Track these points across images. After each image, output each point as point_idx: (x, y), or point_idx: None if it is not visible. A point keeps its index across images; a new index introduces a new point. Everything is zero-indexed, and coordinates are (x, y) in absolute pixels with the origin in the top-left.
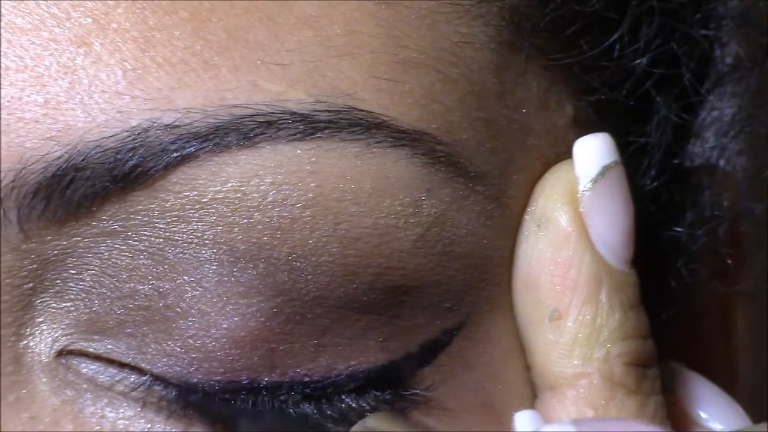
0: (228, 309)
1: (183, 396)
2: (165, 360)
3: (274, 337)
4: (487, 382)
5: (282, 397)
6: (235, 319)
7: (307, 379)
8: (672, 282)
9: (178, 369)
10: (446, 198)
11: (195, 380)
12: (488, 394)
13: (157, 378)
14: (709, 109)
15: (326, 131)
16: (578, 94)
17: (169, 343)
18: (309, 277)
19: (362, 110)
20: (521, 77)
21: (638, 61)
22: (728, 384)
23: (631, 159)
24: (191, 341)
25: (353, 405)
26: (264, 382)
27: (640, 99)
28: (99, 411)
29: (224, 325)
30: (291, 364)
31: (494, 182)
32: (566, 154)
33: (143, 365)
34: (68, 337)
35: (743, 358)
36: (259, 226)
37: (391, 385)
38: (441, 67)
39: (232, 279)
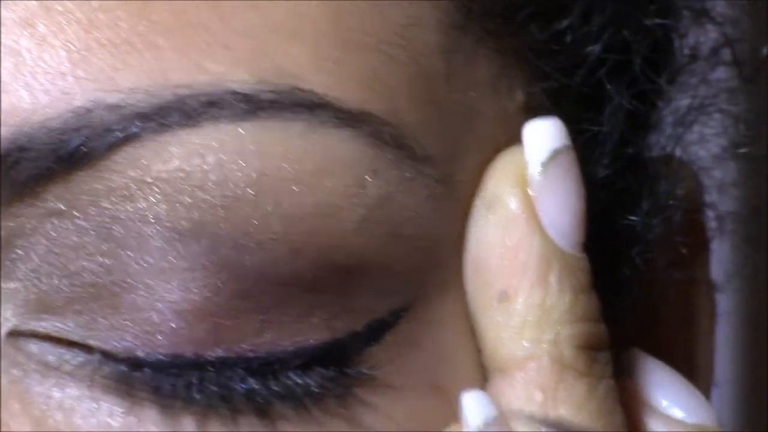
0: (173, 284)
1: (130, 372)
2: (112, 335)
3: (219, 311)
4: (435, 364)
5: (228, 373)
6: (180, 293)
7: (252, 354)
8: (628, 270)
9: (126, 344)
10: (393, 180)
11: (142, 355)
12: (436, 375)
13: (105, 355)
14: (667, 99)
15: (269, 111)
16: (531, 80)
17: (116, 317)
18: (253, 254)
19: (306, 90)
20: (471, 60)
21: (590, 48)
22: (689, 373)
23: (585, 146)
24: (137, 315)
25: (299, 381)
26: (210, 357)
27: (594, 87)
28: (46, 391)
29: (169, 299)
30: (236, 339)
31: (443, 165)
32: (517, 139)
33: (91, 342)
34: (17, 317)
35: (705, 347)
36: (203, 205)
37: (336, 362)
38: (388, 50)
39: (177, 255)
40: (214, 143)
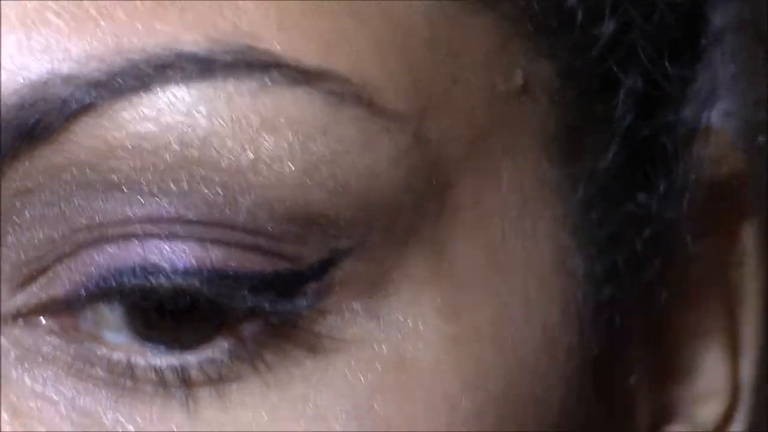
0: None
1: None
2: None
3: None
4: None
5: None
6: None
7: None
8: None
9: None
10: (349, 137)
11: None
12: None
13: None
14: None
15: (222, 72)
16: (536, 61)
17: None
18: (202, 207)
19: (261, 50)
20: (463, 31)
21: (603, 27)
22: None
23: (597, 127)
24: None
25: (249, 303)
26: None
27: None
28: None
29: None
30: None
31: (413, 123)
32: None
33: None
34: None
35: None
36: (161, 167)
37: (280, 294)
38: (357, 9)
39: (138, 213)
40: (165, 107)
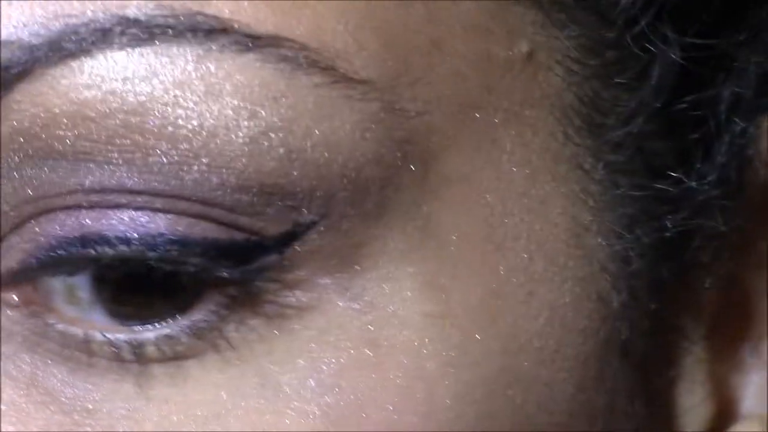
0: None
1: None
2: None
3: None
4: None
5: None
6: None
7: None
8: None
9: None
10: (304, 105)
11: None
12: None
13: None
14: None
15: (165, 37)
16: (551, 30)
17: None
18: (147, 176)
19: (208, 15)
20: None
21: None
22: None
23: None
24: None
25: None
26: None
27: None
28: None
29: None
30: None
31: (384, 91)
32: (502, 89)
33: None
34: None
35: None
36: (104, 135)
37: (238, 263)
38: None
39: (83, 183)
40: (105, 72)
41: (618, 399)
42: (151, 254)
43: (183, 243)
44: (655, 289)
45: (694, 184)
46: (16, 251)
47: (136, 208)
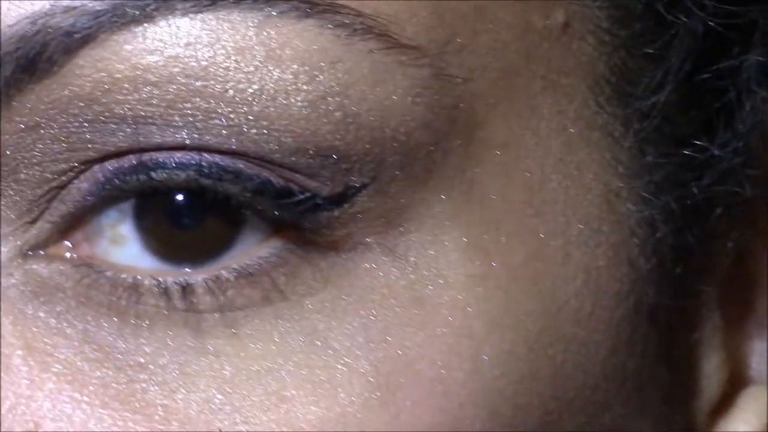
0: None
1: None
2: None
3: None
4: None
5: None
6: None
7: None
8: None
9: None
10: (360, 70)
11: None
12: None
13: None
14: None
15: (226, 3)
16: (585, 1)
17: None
18: (208, 138)
19: None
20: None
21: None
22: None
23: (653, 68)
24: None
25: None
26: None
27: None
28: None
29: None
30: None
31: (432, 58)
32: (539, 57)
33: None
34: (13, 236)
35: None
36: (166, 99)
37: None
38: None
39: (144, 144)
40: (168, 38)
41: (646, 363)
42: (204, 181)
43: (237, 173)
44: (679, 256)
45: (717, 151)
46: (73, 195)
47: (193, 149)
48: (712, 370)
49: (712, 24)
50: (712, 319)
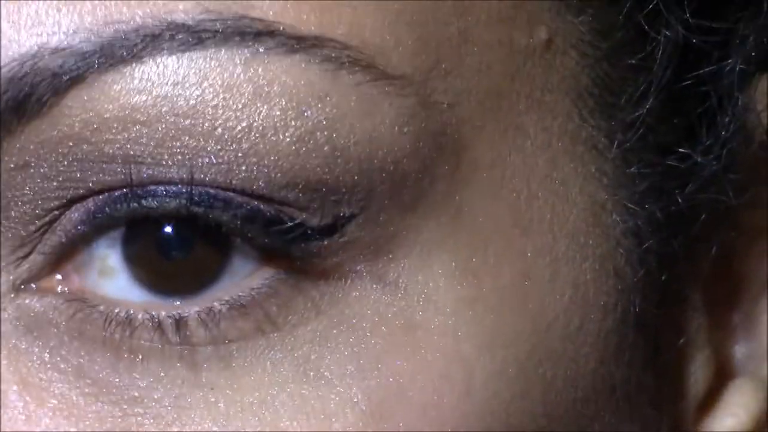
0: None
1: None
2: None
3: None
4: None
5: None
6: None
7: None
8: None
9: None
10: (347, 103)
11: None
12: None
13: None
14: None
15: (213, 41)
16: (566, 16)
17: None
18: (197, 176)
19: (254, 18)
20: None
21: None
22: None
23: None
24: None
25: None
26: None
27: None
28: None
29: None
30: None
31: (418, 85)
32: (523, 76)
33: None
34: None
35: None
36: (155, 138)
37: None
38: None
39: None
40: (156, 77)
41: (633, 372)
42: (195, 209)
43: (227, 201)
44: (665, 263)
45: (700, 158)
46: (65, 223)
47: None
48: (697, 368)
49: (691, 34)
50: (697, 319)
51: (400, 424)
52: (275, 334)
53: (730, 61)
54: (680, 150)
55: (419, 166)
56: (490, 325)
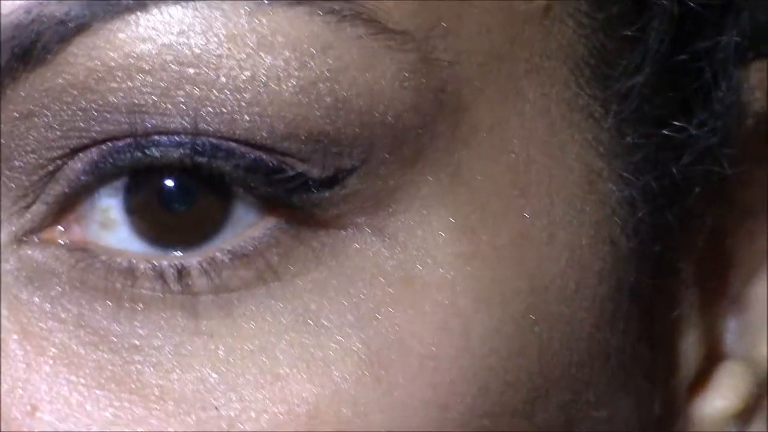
0: None
1: None
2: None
3: None
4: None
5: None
6: None
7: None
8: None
9: None
10: (350, 56)
11: None
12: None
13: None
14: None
15: None
16: None
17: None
18: (200, 125)
19: None
20: None
21: None
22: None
23: (630, 49)
24: None
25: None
26: None
27: None
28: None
29: None
30: None
31: (419, 42)
32: (523, 40)
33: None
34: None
35: None
36: (159, 86)
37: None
38: None
39: (137, 131)
40: (161, 26)
41: (628, 341)
42: (198, 159)
43: (230, 151)
44: (659, 234)
45: (695, 131)
46: (68, 173)
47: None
48: (689, 347)
49: (688, 5)
50: (690, 296)
51: (399, 374)
52: (276, 283)
53: (724, 35)
54: (675, 123)
55: (420, 122)
56: (487, 282)
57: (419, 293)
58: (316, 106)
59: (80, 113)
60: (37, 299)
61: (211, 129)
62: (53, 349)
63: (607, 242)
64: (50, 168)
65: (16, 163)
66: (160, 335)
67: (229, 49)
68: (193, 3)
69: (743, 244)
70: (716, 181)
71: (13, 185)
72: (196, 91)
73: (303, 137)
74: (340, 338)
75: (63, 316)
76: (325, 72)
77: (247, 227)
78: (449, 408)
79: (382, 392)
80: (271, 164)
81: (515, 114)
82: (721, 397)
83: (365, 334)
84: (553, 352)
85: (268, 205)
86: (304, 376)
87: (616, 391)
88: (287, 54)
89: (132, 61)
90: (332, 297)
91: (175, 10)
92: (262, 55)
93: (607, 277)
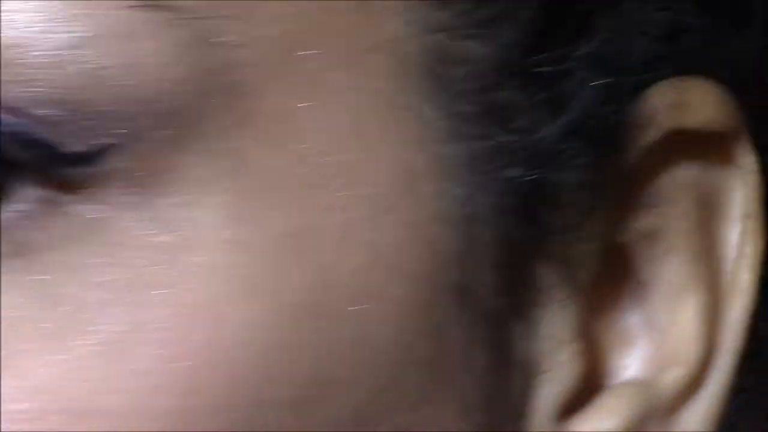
0: None
1: None
2: None
3: None
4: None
5: None
6: None
7: None
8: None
9: None
10: (110, 25)
11: None
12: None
13: None
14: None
15: None
16: None
17: None
18: None
19: None
20: None
21: None
22: None
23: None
24: None
25: None
26: None
27: None
28: None
29: None
30: None
31: (197, 19)
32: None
33: None
34: None
35: None
36: None
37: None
38: None
39: None
40: None
41: (454, 347)
42: None
43: None
44: (504, 243)
45: (539, 136)
46: None
47: None
48: (558, 364)
49: (543, 11)
50: (561, 311)
51: (139, 358)
52: (30, 256)
53: (579, 41)
54: (518, 126)
55: (189, 102)
56: (257, 273)
57: (177, 277)
58: (75, 73)
59: None
60: None
61: None
62: None
63: (425, 243)
64: None
65: None
66: None
67: None
68: None
69: (651, 267)
70: (590, 197)
71: None
72: None
73: (57, 106)
74: (84, 317)
75: None
76: (84, 38)
77: (5, 197)
78: (192, 395)
79: (118, 374)
80: (21, 131)
81: (317, 105)
82: (605, 421)
83: (110, 313)
84: (340, 350)
85: (29, 176)
86: (41, 354)
87: (433, 397)
88: (37, 18)
89: None
90: (86, 274)
91: None
92: (12, 15)
93: (425, 280)
